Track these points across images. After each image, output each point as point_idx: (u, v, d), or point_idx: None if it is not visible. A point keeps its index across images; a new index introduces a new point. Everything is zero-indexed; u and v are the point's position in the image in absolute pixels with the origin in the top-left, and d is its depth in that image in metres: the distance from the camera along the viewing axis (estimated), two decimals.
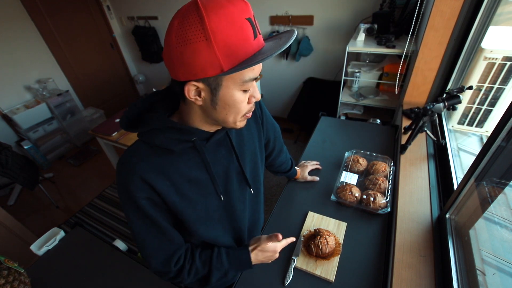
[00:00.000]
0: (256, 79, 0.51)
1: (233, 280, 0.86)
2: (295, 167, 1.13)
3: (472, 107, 1.24)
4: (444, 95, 1.06)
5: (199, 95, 0.50)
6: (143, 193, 0.54)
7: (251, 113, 0.57)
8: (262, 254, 0.71)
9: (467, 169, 0.77)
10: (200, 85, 0.48)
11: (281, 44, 0.46)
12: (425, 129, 1.12)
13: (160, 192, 0.55)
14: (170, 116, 0.60)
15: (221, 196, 0.64)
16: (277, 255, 0.73)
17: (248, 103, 0.54)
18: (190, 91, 0.48)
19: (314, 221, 1.01)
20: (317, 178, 1.17)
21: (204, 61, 0.44)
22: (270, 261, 0.75)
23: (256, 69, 0.49)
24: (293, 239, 0.76)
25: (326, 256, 0.86)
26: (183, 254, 0.64)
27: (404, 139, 1.21)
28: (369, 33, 1.99)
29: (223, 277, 0.68)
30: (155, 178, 0.54)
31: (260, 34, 0.48)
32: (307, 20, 2.50)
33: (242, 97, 0.51)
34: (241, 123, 0.57)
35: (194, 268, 0.65)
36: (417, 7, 1.46)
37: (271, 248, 0.71)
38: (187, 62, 0.45)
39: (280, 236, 0.69)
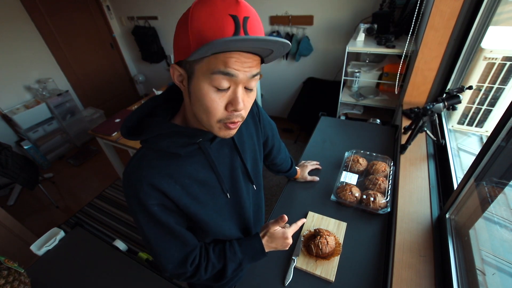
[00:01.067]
0: (231, 75, 0.45)
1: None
2: (295, 167, 1.13)
3: (472, 107, 1.24)
4: (444, 95, 1.06)
5: (183, 83, 0.51)
6: (154, 200, 0.54)
7: (234, 124, 0.51)
8: (272, 240, 0.72)
9: (467, 169, 0.77)
10: (180, 70, 0.49)
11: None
12: (425, 129, 1.12)
13: (172, 197, 0.55)
14: (172, 119, 0.60)
15: (227, 194, 0.65)
16: (290, 240, 0.73)
17: (226, 110, 0.49)
18: (174, 74, 0.50)
19: (314, 221, 1.01)
20: (317, 178, 1.18)
21: (181, 44, 0.45)
22: (285, 248, 0.74)
23: (229, 64, 0.44)
24: (303, 220, 0.78)
25: (326, 256, 0.87)
26: (198, 254, 0.65)
27: (404, 139, 1.21)
28: (369, 33, 1.99)
29: (238, 268, 0.69)
30: (166, 183, 0.54)
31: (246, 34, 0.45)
32: (307, 20, 2.50)
33: (212, 95, 0.47)
34: (220, 131, 0.51)
35: (210, 264, 0.65)
36: (417, 7, 1.46)
37: (279, 234, 0.71)
38: (175, 43, 0.48)
39: (286, 218, 0.69)
